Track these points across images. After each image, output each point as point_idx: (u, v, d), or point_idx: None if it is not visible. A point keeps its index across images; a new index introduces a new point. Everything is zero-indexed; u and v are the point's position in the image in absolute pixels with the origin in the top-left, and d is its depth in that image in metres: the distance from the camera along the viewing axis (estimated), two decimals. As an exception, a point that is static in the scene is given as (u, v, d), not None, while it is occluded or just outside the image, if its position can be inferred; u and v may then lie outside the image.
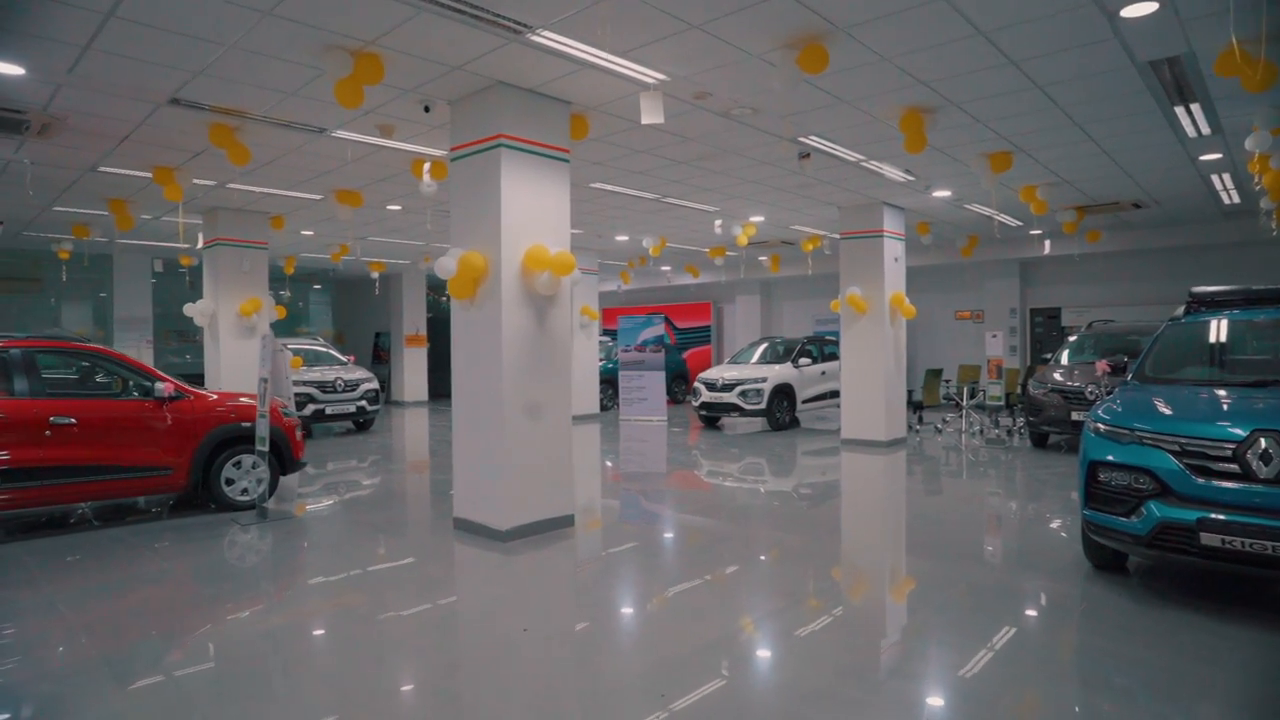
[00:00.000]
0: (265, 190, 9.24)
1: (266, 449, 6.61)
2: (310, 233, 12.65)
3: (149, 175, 8.00)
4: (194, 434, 6.58)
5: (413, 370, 19.58)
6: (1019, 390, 12.51)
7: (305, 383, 12.24)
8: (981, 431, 12.04)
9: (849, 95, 5.99)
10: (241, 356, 10.38)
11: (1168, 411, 4.22)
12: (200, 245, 10.98)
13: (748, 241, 12.50)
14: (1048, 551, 5.49)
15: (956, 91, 5.90)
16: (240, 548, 5.74)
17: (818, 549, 5.74)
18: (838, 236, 11.19)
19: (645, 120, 5.30)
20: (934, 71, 5.48)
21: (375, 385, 13.32)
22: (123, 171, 8.04)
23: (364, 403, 13.01)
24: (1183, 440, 3.95)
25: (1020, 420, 12.08)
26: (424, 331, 19.98)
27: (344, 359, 13.99)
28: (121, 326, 15.37)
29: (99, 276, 15.52)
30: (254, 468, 6.94)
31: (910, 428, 12.45)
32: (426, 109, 6.06)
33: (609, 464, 10.29)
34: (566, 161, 6.06)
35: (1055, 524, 6.40)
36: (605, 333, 19.60)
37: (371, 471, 9.50)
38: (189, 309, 10.50)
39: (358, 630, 4.07)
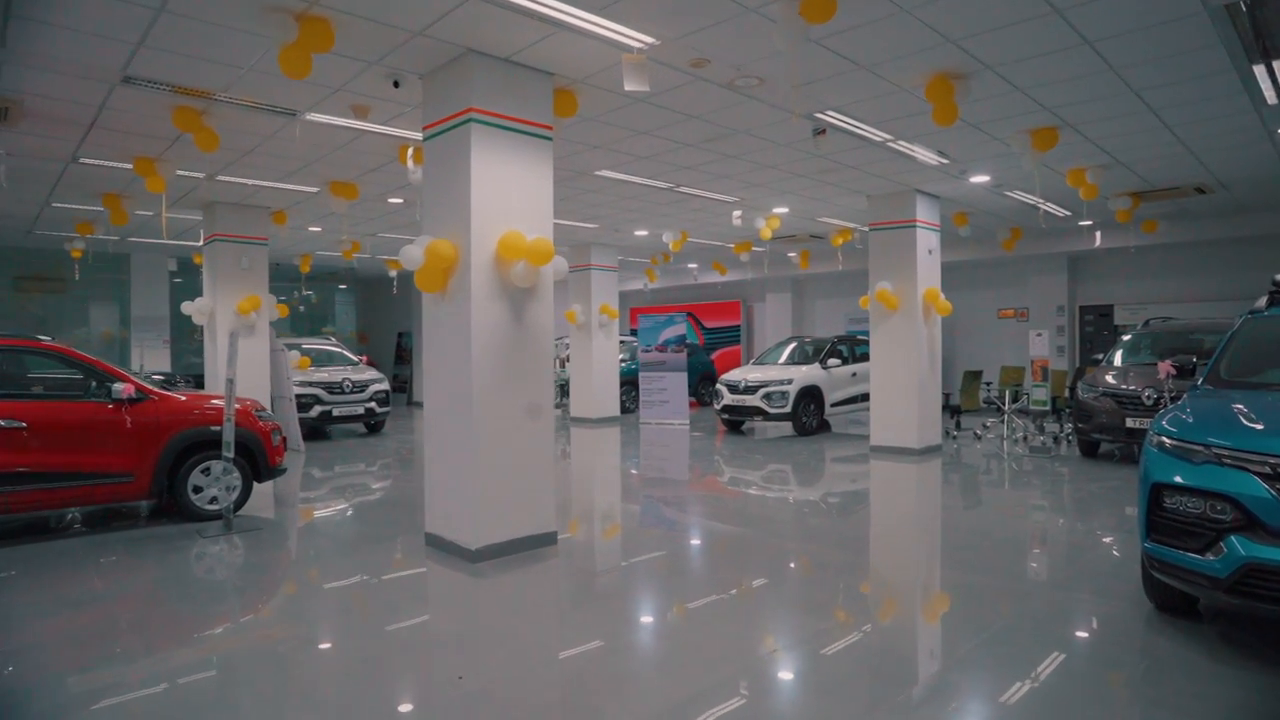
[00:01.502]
0: (257, 183, 8.84)
1: (232, 454, 6.14)
2: (318, 229, 12.29)
3: (130, 167, 7.63)
4: (157, 438, 6.14)
5: (434, 371, 19.26)
6: (1066, 394, 11.55)
7: (312, 384, 11.89)
8: (1025, 438, 11.12)
9: (866, 58, 5.27)
10: (240, 356, 9.99)
11: (1255, 424, 3.42)
12: (202, 242, 10.68)
13: (771, 235, 11.75)
14: (1100, 582, 4.70)
15: (990, 52, 5.14)
16: (190, 564, 5.25)
17: (834, 572, 5.03)
18: (867, 229, 10.40)
19: (628, 87, 4.67)
20: (963, 26, 4.74)
21: (385, 387, 12.92)
22: (103, 163, 7.69)
23: (373, 404, 12.61)
24: (1275, 461, 3.16)
25: (1068, 427, 11.12)
26: (446, 331, 19.63)
27: (355, 359, 13.64)
28: (139, 326, 15.26)
29: (119, 276, 15.44)
30: (224, 474, 6.48)
31: (947, 434, 11.58)
32: (396, 84, 5.52)
33: (617, 472, 9.67)
34: (549, 140, 5.46)
35: (1109, 547, 5.59)
36: (632, 332, 19.03)
37: (366, 477, 9.04)
38: (186, 307, 10.19)
39: (263, 671, 3.51)
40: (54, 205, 9.90)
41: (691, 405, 17.02)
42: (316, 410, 11.83)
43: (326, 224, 11.73)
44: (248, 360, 10.11)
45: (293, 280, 18.62)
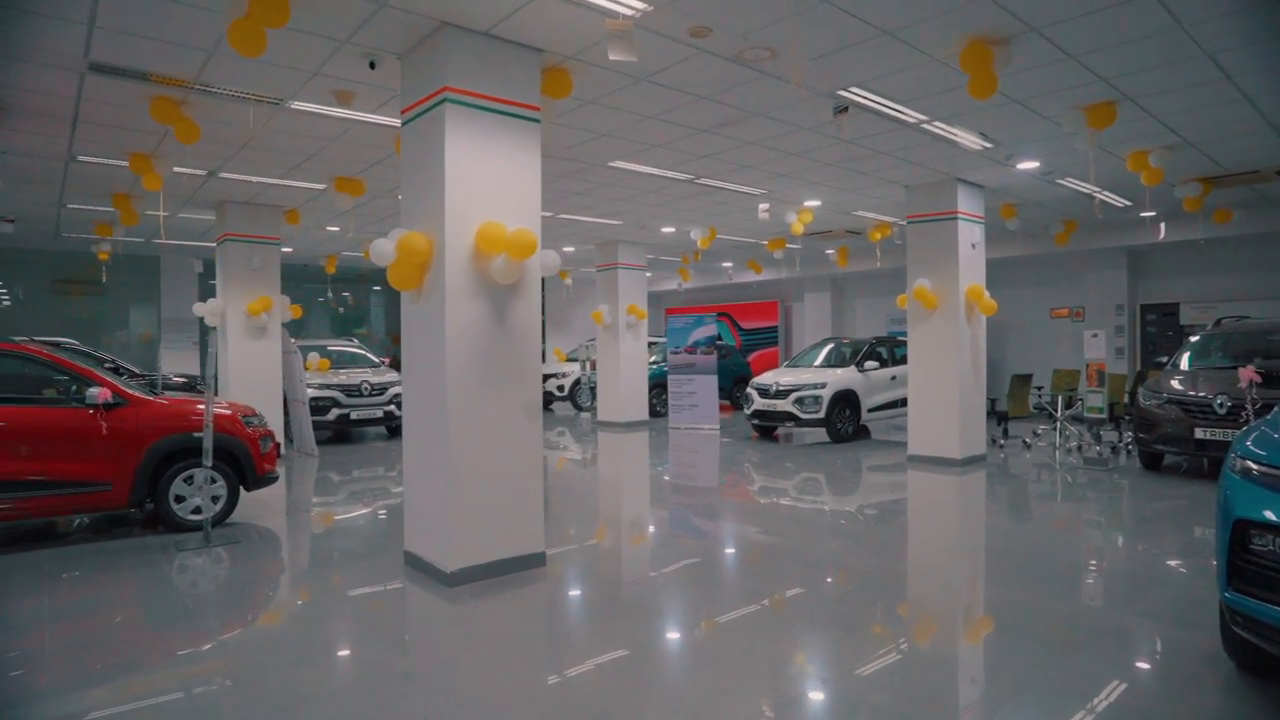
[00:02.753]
0: (262, 180, 8.57)
1: (210, 463, 5.80)
2: (335, 229, 12.07)
3: (125, 164, 7.41)
4: (136, 445, 5.85)
5: (464, 372, 19.03)
6: (1126, 400, 10.62)
7: (330, 386, 11.65)
8: (1079, 448, 10.24)
9: (890, 23, 4.65)
10: (250, 358, 9.82)
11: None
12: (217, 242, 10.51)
13: (803, 230, 11.09)
14: (1167, 627, 4.01)
15: (1035, 10, 4.47)
16: (150, 583, 4.90)
17: (861, 604, 4.42)
18: (905, 223, 9.67)
19: (613, 56, 4.15)
20: (1002, -21, 4.10)
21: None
22: (99, 161, 7.48)
23: (392, 407, 12.30)
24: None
25: (1127, 436, 10.21)
26: (476, 333, 19.41)
27: (378, 361, 13.41)
28: (168, 328, 15.32)
29: (150, 278, 15.53)
30: (209, 483, 6.17)
31: (993, 442, 10.76)
32: (372, 65, 5.10)
33: (635, 480, 9.14)
34: (536, 122, 4.97)
35: (1177, 579, 4.86)
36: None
37: (373, 483, 8.68)
38: (198, 308, 10.02)
39: (179, 713, 3.09)
40: (69, 207, 9.82)
41: (725, 409, 16.41)
42: (334, 413, 11.58)
43: (343, 223, 11.48)
44: (259, 362, 9.91)
45: (322, 281, 18.57)
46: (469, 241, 4.62)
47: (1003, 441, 10.93)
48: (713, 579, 4.99)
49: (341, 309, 21.16)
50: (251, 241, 9.85)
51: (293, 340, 12.28)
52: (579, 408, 17.55)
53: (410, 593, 4.65)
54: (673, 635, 4.01)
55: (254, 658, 3.70)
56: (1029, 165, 8.21)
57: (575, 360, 18.29)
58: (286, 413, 10.77)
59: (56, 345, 11.04)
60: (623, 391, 13.96)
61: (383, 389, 12.23)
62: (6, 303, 15.33)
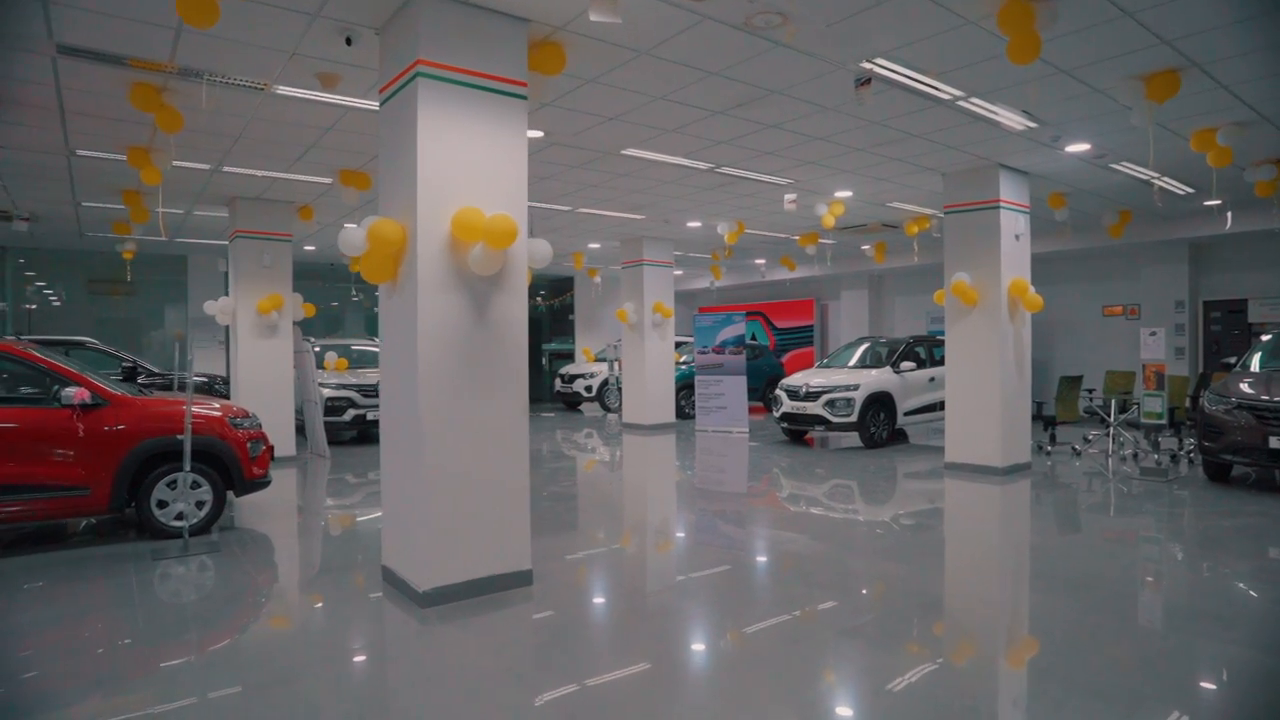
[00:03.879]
0: (267, 174, 8.33)
1: (188, 467, 5.51)
2: (353, 225, 11.81)
3: (124, 158, 7.22)
4: (116, 448, 5.59)
5: (492, 372, 18.81)
6: (1188, 405, 9.78)
7: (346, 386, 11.44)
8: (1135, 456, 9.45)
9: (916, -21, 4.12)
10: (259, 358, 9.61)
11: None
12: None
13: (834, 223, 10.50)
14: (1241, 664, 3.40)
15: (1085, -42, 3.89)
16: (115, 594, 4.61)
17: (885, 632, 3.90)
18: (943, 214, 9.01)
19: (594, 17, 3.71)
20: (1045, -81, 3.54)
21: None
22: (97, 154, 7.31)
23: (410, 408, 12.04)
24: None
25: (1190, 444, 9.39)
26: (504, 332, 19.18)
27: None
28: (196, 327, 15.34)
29: (178, 277, 15.58)
30: (193, 488, 5.90)
31: (1040, 449, 10.03)
32: (348, 41, 4.73)
33: (652, 486, 8.68)
34: (522, 99, 4.54)
35: (1250, 607, 4.21)
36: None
37: (376, 489, 8.36)
38: (209, 307, 9.86)
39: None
40: (85, 205, 9.75)
41: (757, 411, 15.86)
42: (350, 414, 11.37)
43: (359, 218, 11.22)
44: (270, 362, 9.70)
45: (347, 280, 18.52)
46: (444, 229, 4.21)
47: (1050, 448, 10.17)
48: (719, 596, 4.50)
49: (375, 308, 21.11)
50: (263, 238, 9.65)
51: (310, 339, 12.11)
52: (607, 408, 17.15)
53: (378, 614, 4.26)
54: (654, 675, 3.53)
55: (180, 687, 3.34)
56: (1079, 148, 7.51)
57: (604, 360, 17.89)
58: (300, 413, 10.59)
59: (80, 345, 11.10)
60: (648, 392, 13.51)
61: (400, 389, 11.98)
62: (56, 303, 15.55)
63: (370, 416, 11.56)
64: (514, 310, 4.49)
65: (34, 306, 14.62)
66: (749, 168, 8.37)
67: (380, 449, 4.77)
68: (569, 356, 21.24)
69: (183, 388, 10.91)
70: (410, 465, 4.29)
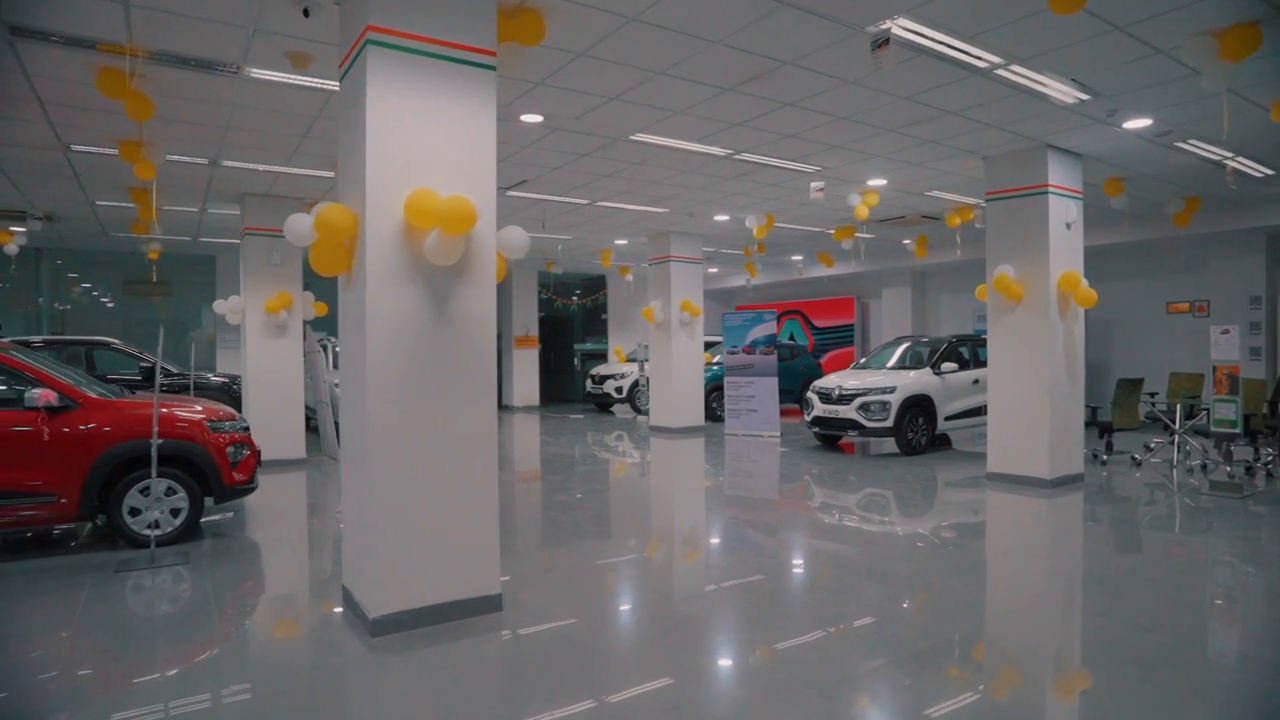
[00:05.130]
0: (269, 169, 8.08)
1: (155, 473, 5.20)
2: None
3: (116, 152, 7.01)
4: (86, 452, 5.32)
5: (523, 373, 18.56)
6: (1265, 411, 8.82)
7: (363, 386, 11.17)
8: (1204, 468, 8.56)
9: (935, -86, 3.51)
10: (268, 358, 9.39)
11: None
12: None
13: (869, 215, 9.82)
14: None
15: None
16: (63, 609, 4.28)
17: (915, 688, 3.31)
18: (985, 201, 8.25)
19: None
20: None
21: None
22: (90, 149, 7.12)
23: (428, 409, 11.74)
24: None
25: (1267, 454, 8.46)
26: (535, 332, 18.90)
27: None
28: (222, 326, 15.36)
29: (208, 278, 15.64)
30: (168, 494, 5.60)
31: (1094, 457, 9.19)
32: (306, 12, 4.32)
33: (662, 497, 8.16)
34: (490, 70, 4.07)
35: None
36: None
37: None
38: (218, 306, 9.69)
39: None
40: (99, 204, 9.68)
41: (793, 414, 15.19)
42: (366, 415, 11.09)
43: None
44: (278, 362, 9.48)
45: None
46: (396, 214, 3.77)
47: (1105, 457, 9.31)
48: (728, 619, 3.96)
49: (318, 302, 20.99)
50: (272, 235, 9.42)
51: (331, 339, 11.91)
52: (638, 410, 16.67)
53: (325, 644, 3.85)
54: (622, 725, 3.01)
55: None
56: (1139, 123, 6.72)
57: (635, 360, 17.41)
58: (312, 415, 10.37)
59: (104, 345, 11.08)
60: (676, 394, 12.98)
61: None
62: (110, 305, 15.80)
63: (386, 418, 11.27)
64: (480, 305, 4.02)
65: (67, 307, 14.80)
66: (770, 153, 7.78)
67: (341, 460, 4.37)
68: (602, 357, 20.83)
69: (199, 388, 10.90)
70: (360, 478, 3.87)
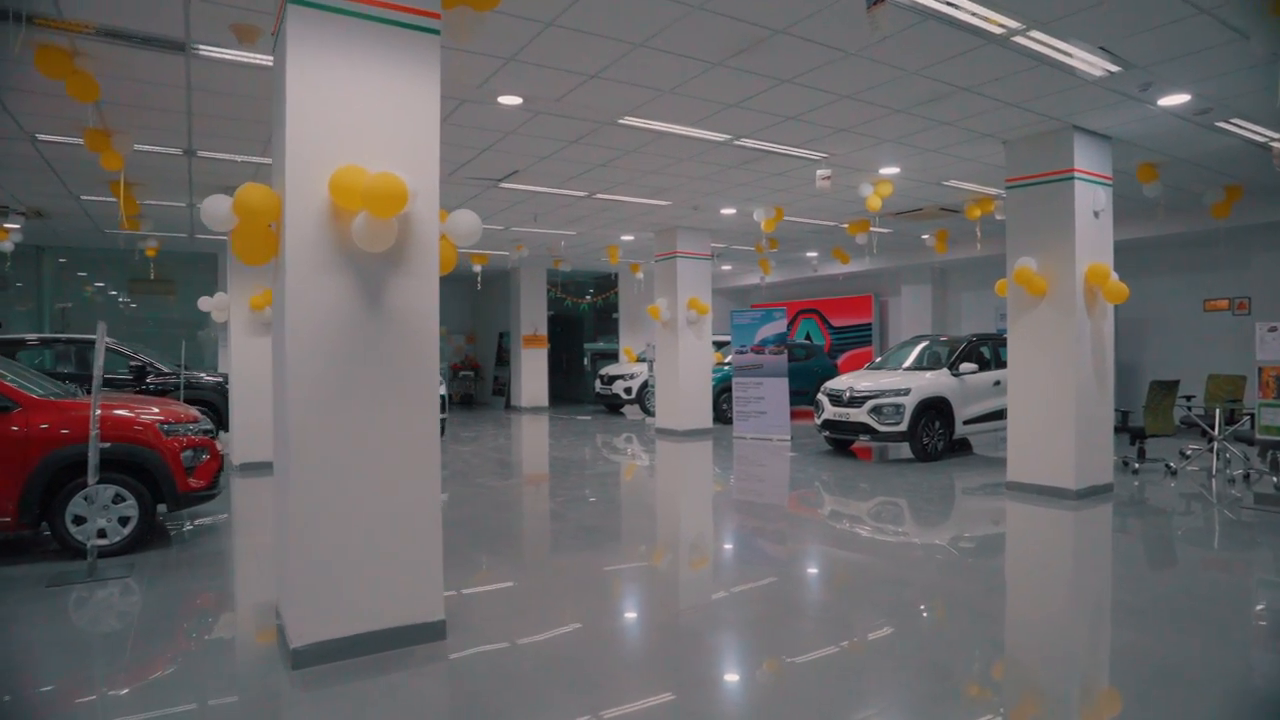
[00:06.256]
0: (246, 159, 7.71)
1: (94, 480, 4.82)
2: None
3: (81, 142, 6.69)
4: (25, 456, 4.98)
5: (531, 373, 18.15)
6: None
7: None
8: (1247, 478, 7.90)
9: None
10: (254, 356, 9.06)
11: None
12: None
13: (881, 206, 9.26)
14: None
15: None
16: (-24, 634, 3.93)
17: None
18: (1005, 189, 7.65)
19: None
20: None
21: (442, 391, 11.68)
22: (58, 139, 6.82)
23: (425, 410, 11.38)
24: None
25: (1319, 462, 7.77)
26: (544, 331, 18.48)
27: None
28: (224, 325, 15.14)
29: (211, 276, 15.44)
30: (116, 501, 5.24)
31: (1125, 465, 8.56)
32: (235, -28, 3.93)
33: (655, 505, 7.69)
34: (432, 34, 3.63)
35: None
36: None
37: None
38: (203, 303, 9.40)
39: None
40: (82, 199, 9.43)
41: (808, 416, 14.60)
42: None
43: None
44: (264, 360, 9.13)
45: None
46: (320, 194, 3.35)
47: (1137, 465, 8.66)
48: (701, 646, 3.49)
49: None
50: (257, 230, 9.08)
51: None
52: (647, 411, 16.19)
53: (242, 677, 3.43)
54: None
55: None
56: (1176, 99, 6.11)
57: (645, 360, 16.93)
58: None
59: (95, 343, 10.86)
60: (682, 396, 12.49)
61: (415, 390, 11.34)
62: (133, 306, 15.71)
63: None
64: (420, 298, 3.59)
65: (68, 305, 14.66)
66: (772, 138, 7.27)
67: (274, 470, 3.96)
68: (613, 356, 20.39)
69: (192, 388, 10.63)
70: (281, 489, 3.45)
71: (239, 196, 3.40)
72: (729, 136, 7.22)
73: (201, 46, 4.95)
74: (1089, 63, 5.31)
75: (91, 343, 10.55)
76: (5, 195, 9.18)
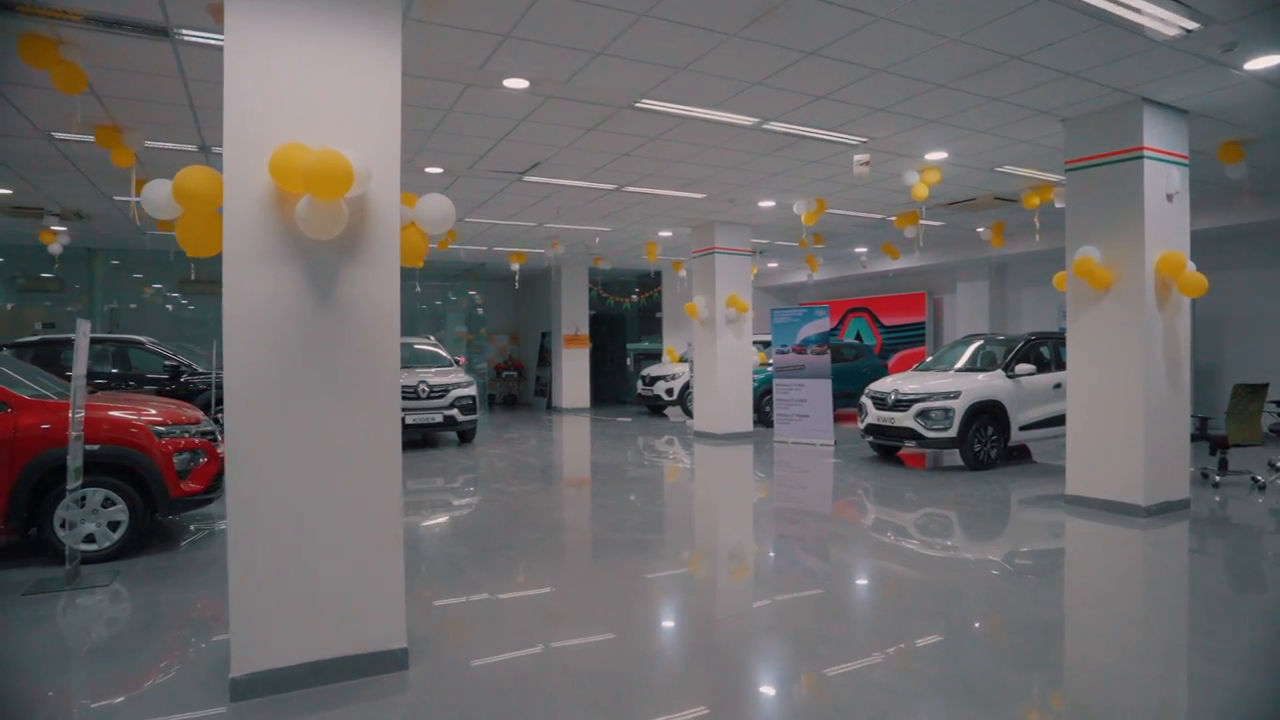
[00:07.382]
0: (262, 154, 7.56)
1: (79, 483, 4.63)
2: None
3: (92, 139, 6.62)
4: (13, 459, 4.84)
5: (573, 373, 17.86)
6: None
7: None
8: (1349, 493, 7.00)
9: None
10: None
11: None
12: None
13: (928, 195, 8.61)
14: None
15: None
16: (-66, 646, 3.75)
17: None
18: (1065, 172, 6.94)
19: None
20: None
21: (471, 391, 11.46)
22: (71, 136, 6.75)
23: (455, 411, 11.19)
24: None
25: None
26: (585, 330, 18.17)
27: (451, 360, 12.44)
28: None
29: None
30: (106, 506, 5.08)
31: (1204, 478, 7.72)
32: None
33: (677, 517, 7.24)
34: (393, 4, 3.27)
35: None
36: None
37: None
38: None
39: None
40: (116, 199, 9.49)
41: (852, 419, 13.94)
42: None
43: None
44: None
45: (446, 279, 18.29)
46: (261, 176, 3.02)
47: (1218, 479, 7.79)
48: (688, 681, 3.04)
49: (481, 309, 20.68)
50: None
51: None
52: (688, 413, 15.72)
53: (179, 705, 3.12)
54: None
55: None
56: (1265, 62, 5.35)
57: (688, 360, 16.47)
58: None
59: (137, 345, 10.96)
60: (721, 397, 12.00)
61: (444, 391, 11.16)
62: (192, 308, 16.08)
63: (410, 420, 10.77)
64: (378, 289, 3.23)
65: (114, 305, 14.98)
66: (802, 121, 6.74)
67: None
68: (656, 357, 19.96)
69: (220, 387, 10.64)
70: (227, 501, 3.14)
71: (178, 180, 3.11)
72: (756, 120, 6.72)
73: (185, 31, 4.72)
74: (1161, 19, 4.64)
75: (129, 343, 10.70)
76: (42, 197, 9.29)
